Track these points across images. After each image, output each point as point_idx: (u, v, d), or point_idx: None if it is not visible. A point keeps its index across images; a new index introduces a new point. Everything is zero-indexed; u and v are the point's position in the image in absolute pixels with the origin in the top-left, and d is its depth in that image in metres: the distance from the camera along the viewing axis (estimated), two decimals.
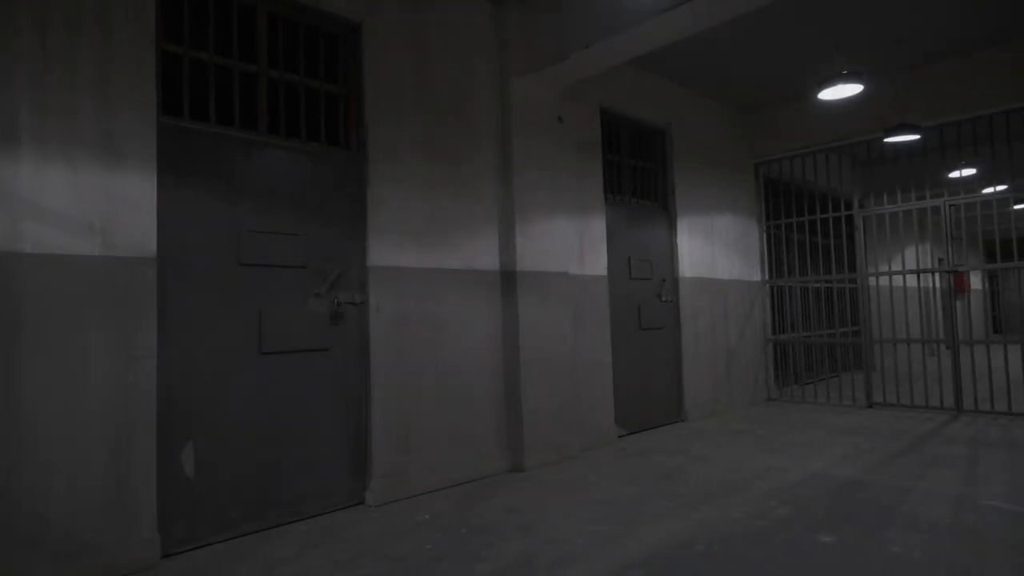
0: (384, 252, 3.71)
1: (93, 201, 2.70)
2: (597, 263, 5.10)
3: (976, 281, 15.51)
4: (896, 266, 9.90)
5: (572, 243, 4.88)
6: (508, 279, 4.35)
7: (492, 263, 4.33)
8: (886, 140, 5.53)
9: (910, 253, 10.50)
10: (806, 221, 7.00)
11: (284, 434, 3.27)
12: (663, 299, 5.77)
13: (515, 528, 3.07)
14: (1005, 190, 5.63)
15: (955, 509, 3.12)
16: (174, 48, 3.07)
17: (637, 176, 5.78)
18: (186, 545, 2.92)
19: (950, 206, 6.01)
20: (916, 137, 5.46)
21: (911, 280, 10.03)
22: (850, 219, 8.10)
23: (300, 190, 3.43)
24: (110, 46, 2.78)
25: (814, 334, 7.74)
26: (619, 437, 5.18)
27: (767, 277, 7.12)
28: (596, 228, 5.11)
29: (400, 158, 3.84)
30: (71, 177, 2.64)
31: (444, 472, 3.87)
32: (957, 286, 12.54)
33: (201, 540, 2.96)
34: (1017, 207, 9.73)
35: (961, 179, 5.86)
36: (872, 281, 8.79)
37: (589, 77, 4.82)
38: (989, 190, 5.83)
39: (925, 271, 6.07)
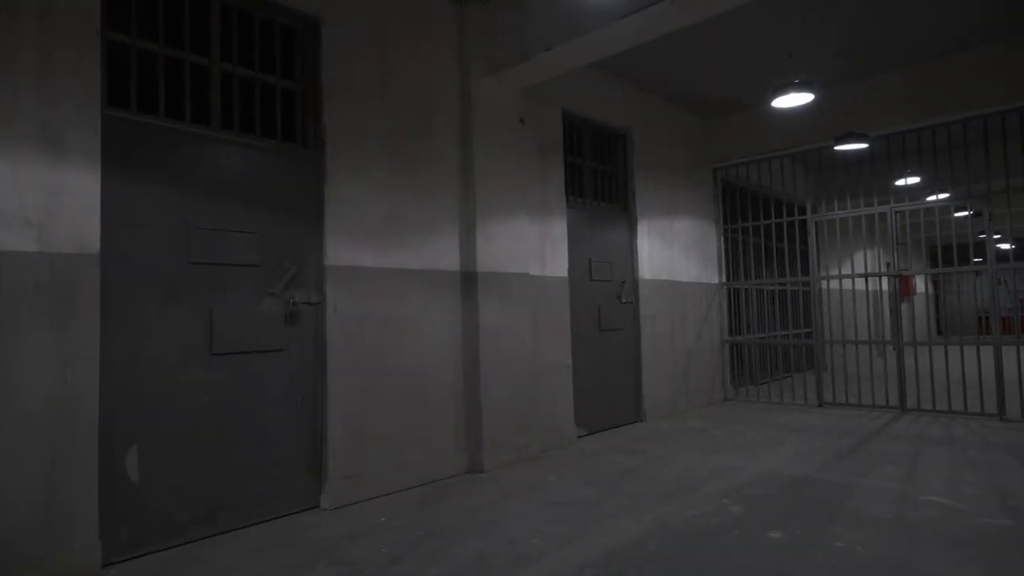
0: (342, 251, 3.65)
1: (31, 195, 2.58)
2: (558, 264, 5.12)
3: (922, 285, 16.19)
4: (847, 270, 10.25)
5: (533, 244, 4.89)
6: (469, 280, 4.33)
7: (452, 263, 4.30)
8: (836, 148, 5.72)
9: (861, 257, 10.88)
10: (762, 225, 7.18)
11: (236, 436, 3.19)
12: (623, 301, 5.84)
13: (473, 529, 3.06)
14: (947, 198, 5.89)
15: (897, 505, 3.25)
16: (121, 38, 2.96)
17: (598, 179, 5.84)
18: (130, 552, 2.81)
19: (896, 212, 6.26)
20: (864, 146, 5.66)
21: (860, 283, 10.40)
22: (803, 224, 8.35)
23: (254, 187, 3.35)
24: (51, 34, 2.66)
25: (769, 335, 7.95)
26: (579, 437, 5.21)
27: (724, 279, 7.28)
28: (557, 229, 5.14)
29: (359, 156, 3.79)
30: (7, 169, 2.52)
31: (402, 474, 3.83)
32: (903, 289, 13.06)
33: (146, 547, 2.86)
34: (958, 215, 10.20)
35: (907, 187, 6.11)
36: (824, 284, 9.09)
37: (551, 79, 4.85)
38: (932, 198, 6.09)
39: (873, 275, 6.30)
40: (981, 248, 17.83)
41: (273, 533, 3.10)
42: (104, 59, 2.85)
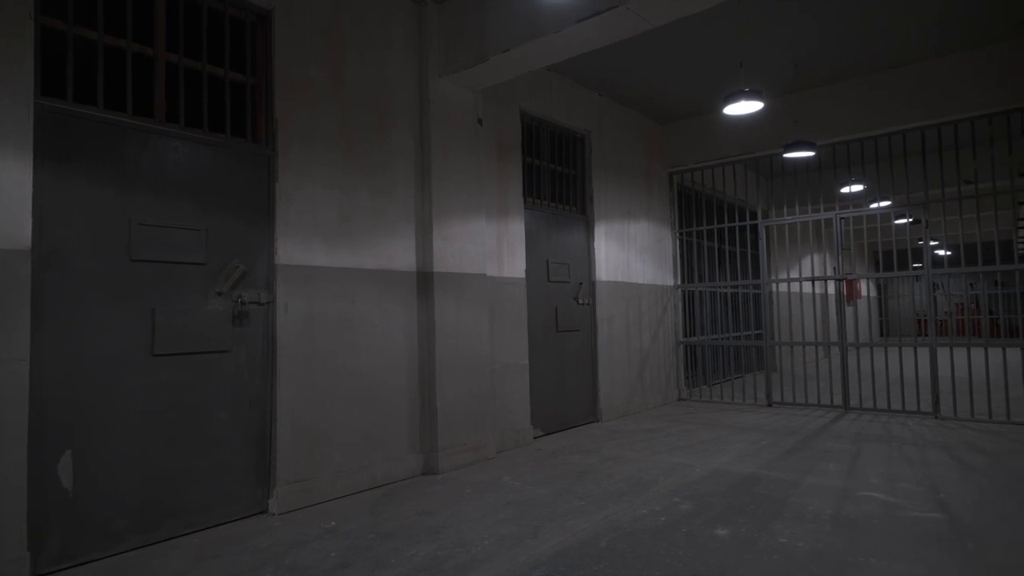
0: (294, 250, 3.58)
1: None
2: (515, 265, 5.14)
3: (867, 289, 16.86)
4: (796, 273, 10.60)
5: (490, 245, 4.89)
6: (425, 280, 4.30)
7: (409, 263, 4.27)
8: (785, 155, 5.90)
9: (810, 262, 11.27)
10: (715, 229, 7.36)
11: (179, 440, 3.08)
12: (580, 302, 5.90)
13: (424, 532, 3.04)
14: (888, 206, 6.15)
15: (837, 500, 3.37)
16: (56, 24, 2.83)
17: (557, 181, 5.88)
18: (63, 563, 2.68)
19: (841, 219, 6.50)
20: (811, 154, 5.86)
21: (809, 286, 10.76)
22: (755, 228, 8.59)
23: (201, 183, 3.25)
24: None
25: (721, 337, 8.15)
26: (535, 438, 5.23)
27: (679, 282, 7.43)
28: (515, 231, 5.15)
29: (313, 153, 3.72)
30: None
31: (355, 477, 3.77)
32: (849, 293, 13.59)
33: (81, 557, 2.74)
34: (898, 221, 10.67)
35: (851, 194, 6.35)
36: (774, 287, 9.37)
37: (510, 80, 4.86)
38: (875, 205, 6.34)
39: (819, 279, 6.53)
40: (921, 254, 18.68)
41: (218, 540, 3.00)
42: (38, 46, 2.72)
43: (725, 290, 8.38)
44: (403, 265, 4.22)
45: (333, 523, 3.21)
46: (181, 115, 3.20)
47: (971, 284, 18.23)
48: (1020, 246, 14.95)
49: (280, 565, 2.68)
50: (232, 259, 3.34)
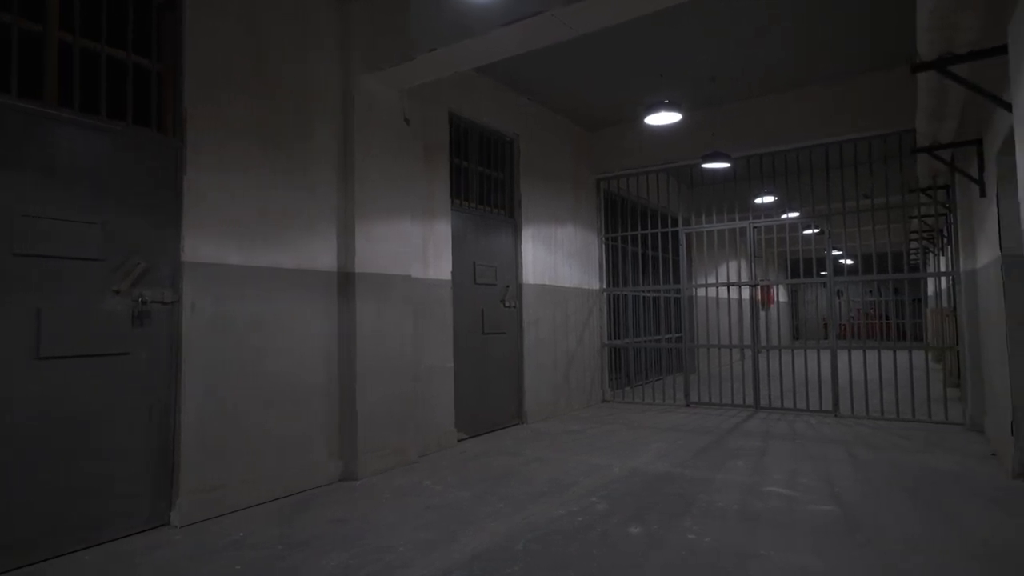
0: (203, 247, 3.39)
1: None
2: (441, 267, 5.09)
3: (782, 294, 17.88)
4: (715, 279, 11.07)
5: (416, 246, 4.83)
6: (346, 280, 4.19)
7: (330, 263, 4.14)
8: (703, 165, 6.16)
9: (729, 268, 11.82)
10: (639, 235, 7.58)
11: (69, 450, 2.85)
12: (506, 305, 5.92)
13: (338, 540, 2.95)
14: (796, 216, 6.53)
15: (744, 496, 3.53)
16: None
17: (485, 183, 5.88)
18: None
19: (754, 228, 6.85)
20: (727, 165, 6.14)
21: (726, 291, 11.27)
22: (676, 235, 8.92)
23: (98, 173, 3.02)
24: None
25: (644, 340, 8.40)
26: (459, 441, 5.20)
27: (605, 286, 7.60)
28: (441, 232, 5.11)
29: (227, 147, 3.55)
30: None
31: (268, 485, 3.61)
32: (764, 298, 14.35)
33: None
34: (806, 232, 11.37)
35: (764, 205, 6.71)
36: (693, 292, 9.76)
37: (438, 80, 4.82)
38: (785, 216, 6.72)
39: (735, 284, 6.85)
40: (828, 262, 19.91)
41: (112, 556, 2.80)
42: None
43: (648, 294, 8.64)
44: (324, 265, 4.10)
45: (241, 534, 3.06)
46: (76, 99, 2.97)
47: (870, 291, 19.69)
48: (911, 257, 16.28)
49: None
50: (133, 255, 3.13)
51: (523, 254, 6.15)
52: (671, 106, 4.82)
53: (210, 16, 3.49)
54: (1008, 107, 2.89)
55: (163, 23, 3.40)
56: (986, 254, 4.56)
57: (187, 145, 3.35)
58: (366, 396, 4.16)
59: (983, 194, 4.55)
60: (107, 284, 3.02)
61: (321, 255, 4.08)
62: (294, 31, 3.98)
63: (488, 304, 5.71)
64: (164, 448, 3.22)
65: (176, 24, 3.40)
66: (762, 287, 12.74)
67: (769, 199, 8.26)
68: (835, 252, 15.55)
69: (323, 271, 4.09)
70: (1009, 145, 3.56)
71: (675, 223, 9.31)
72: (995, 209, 3.97)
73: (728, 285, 6.67)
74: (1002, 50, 2.84)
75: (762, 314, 13.36)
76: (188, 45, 3.39)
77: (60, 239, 2.86)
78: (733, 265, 12.14)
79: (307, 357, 3.93)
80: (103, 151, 3.05)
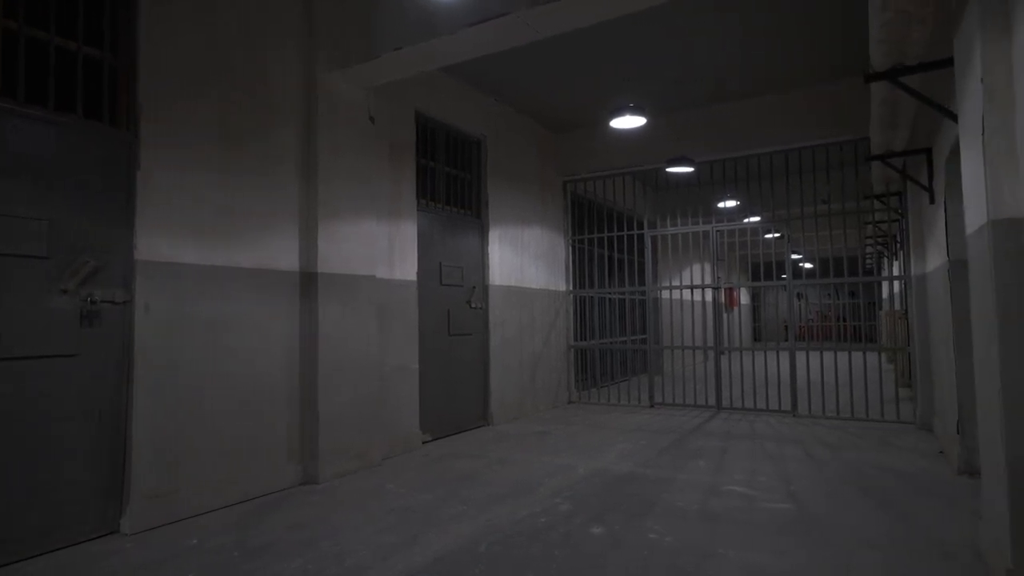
0: (157, 245, 3.29)
1: None
2: (407, 268, 5.05)
3: (745, 297, 18.25)
4: (679, 281, 11.25)
5: (381, 246, 4.77)
6: (309, 280, 4.12)
7: (291, 263, 4.06)
8: (668, 169, 6.25)
9: (694, 270, 12.02)
10: (605, 237, 7.64)
11: (11, 455, 2.73)
12: (473, 306, 5.90)
13: (297, 545, 2.89)
14: (758, 221, 6.68)
15: (704, 495, 3.59)
16: None
17: (452, 184, 5.85)
18: None
19: (717, 231, 6.97)
20: (691, 169, 6.24)
21: (690, 294, 11.46)
22: (642, 238, 9.02)
23: (44, 168, 2.90)
24: None
25: (610, 341, 8.47)
26: (424, 443, 5.16)
27: (571, 287, 7.65)
28: (407, 232, 5.07)
29: (184, 142, 3.45)
30: None
31: (224, 490, 3.52)
32: (729, 301, 14.65)
33: None
34: (768, 236, 11.64)
35: (726, 209, 6.84)
36: (658, 294, 9.89)
37: (404, 79, 4.77)
38: (747, 220, 6.87)
39: (698, 287, 6.96)
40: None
41: (56, 567, 2.69)
42: None
43: (614, 296, 8.72)
44: (285, 265, 4.02)
45: (195, 541, 2.98)
46: (20, 90, 2.85)
47: (828, 294, 20.27)
48: (867, 261, 16.83)
49: None
50: (82, 253, 3.02)
51: (490, 255, 6.14)
52: (636, 110, 4.87)
53: (165, 6, 3.39)
54: (954, 117, 3.01)
55: (116, 13, 3.28)
56: (935, 259, 4.73)
57: (141, 140, 3.25)
58: (328, 398, 4.09)
59: (932, 201, 4.73)
60: (54, 283, 2.90)
61: (283, 255, 4.00)
62: (256, 25, 3.90)
63: (454, 305, 5.68)
64: (114, 452, 3.11)
65: (129, 14, 3.29)
66: (725, 289, 13.00)
67: (732, 203, 8.43)
68: (795, 256, 15.98)
69: (285, 271, 4.01)
70: (956, 154, 3.70)
71: (641, 226, 9.42)
72: (943, 215, 4.12)
73: (692, 288, 6.78)
74: (949, 62, 2.95)
75: (726, 316, 13.64)
76: (142, 37, 3.28)
77: (3, 236, 2.73)
78: (697, 268, 12.35)
79: (267, 359, 3.85)
80: (51, 144, 2.93)
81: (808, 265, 20.44)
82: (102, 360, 3.07)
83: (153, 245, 3.27)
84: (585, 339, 7.94)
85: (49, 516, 2.85)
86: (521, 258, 6.68)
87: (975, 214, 2.47)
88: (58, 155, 2.96)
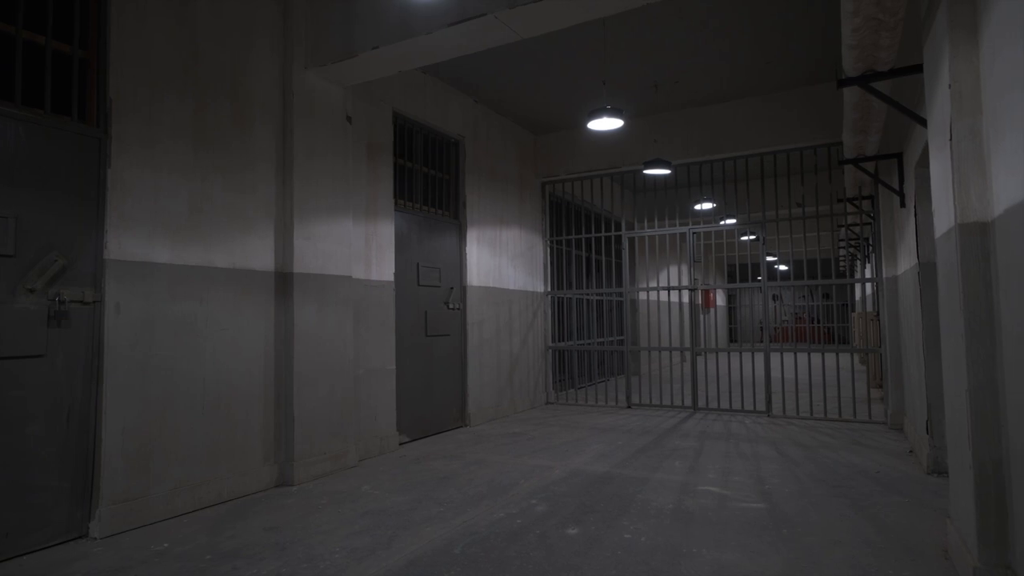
0: (129, 244, 3.23)
1: None
2: (384, 268, 5.02)
3: (721, 298, 18.47)
4: (657, 283, 11.35)
5: (358, 246, 4.74)
6: (284, 280, 4.07)
7: (267, 263, 4.01)
8: (645, 172, 6.30)
9: (671, 272, 12.13)
10: (583, 239, 7.68)
11: None
12: (450, 306, 5.89)
13: (270, 549, 2.85)
14: (734, 223, 6.76)
15: (679, 495, 3.62)
16: None
17: (430, 184, 5.83)
18: None
19: (694, 233, 7.05)
20: (668, 172, 6.30)
21: (669, 295, 11.57)
22: (619, 239, 9.09)
23: (10, 164, 2.83)
24: None
25: (588, 342, 8.51)
26: (401, 444, 5.14)
27: (549, 288, 7.67)
28: (384, 233, 5.04)
29: (157, 140, 3.39)
30: None
31: (197, 492, 3.46)
32: (705, 302, 14.82)
33: None
34: (744, 238, 11.81)
35: (703, 211, 6.91)
36: (636, 295, 9.97)
37: (382, 79, 4.75)
38: (724, 222, 6.95)
39: (675, 288, 7.04)
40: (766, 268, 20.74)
41: (21, 572, 2.62)
42: None
43: (592, 297, 8.77)
44: (260, 265, 3.97)
45: (166, 544, 2.92)
46: None
47: (802, 296, 20.62)
48: (840, 264, 17.15)
49: None
50: (50, 252, 2.94)
51: (468, 256, 6.13)
52: (614, 112, 4.90)
53: (137, 0, 3.33)
54: (924, 123, 3.08)
55: (86, 6, 3.21)
56: (906, 261, 4.84)
57: (112, 137, 3.19)
58: (304, 399, 4.05)
59: (903, 204, 4.84)
60: (20, 282, 2.83)
61: (258, 255, 3.95)
62: (231, 22, 3.85)
63: (432, 306, 5.66)
64: (83, 455, 3.04)
65: (100, 9, 3.22)
66: (702, 291, 13.14)
67: (708, 206, 8.53)
68: (770, 258, 16.23)
69: (259, 271, 3.96)
70: (926, 158, 3.79)
71: (619, 227, 9.49)
72: (914, 219, 4.22)
73: (669, 289, 6.85)
74: (919, 69, 3.03)
75: (702, 317, 13.80)
76: (114, 31, 3.22)
77: None
78: (675, 269, 12.47)
79: (241, 360, 3.80)
80: (17, 140, 2.86)
81: (783, 267, 20.76)
82: (71, 361, 3.00)
83: (124, 244, 3.21)
84: (563, 340, 7.97)
85: (14, 520, 2.77)
86: (499, 259, 6.68)
87: (944, 218, 2.53)
88: (25, 151, 2.88)
